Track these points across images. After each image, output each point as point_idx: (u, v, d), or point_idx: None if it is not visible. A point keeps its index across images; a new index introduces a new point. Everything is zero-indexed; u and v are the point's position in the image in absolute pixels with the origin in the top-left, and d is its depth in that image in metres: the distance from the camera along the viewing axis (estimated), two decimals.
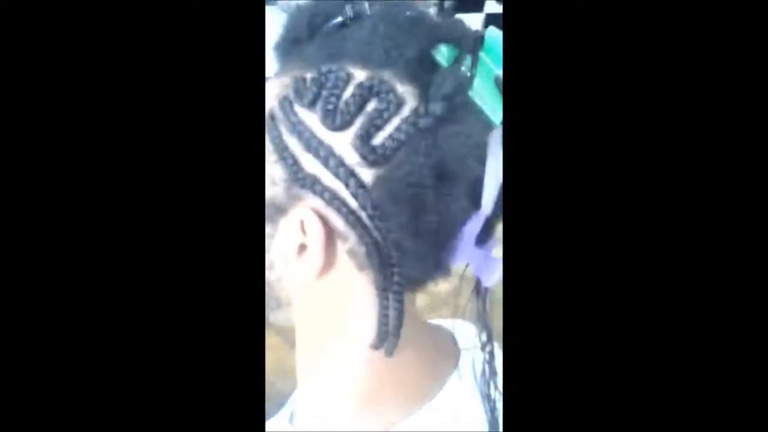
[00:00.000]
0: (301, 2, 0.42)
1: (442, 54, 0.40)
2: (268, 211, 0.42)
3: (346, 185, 0.39)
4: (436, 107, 0.38)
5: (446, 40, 0.40)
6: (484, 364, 0.51)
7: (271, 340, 0.54)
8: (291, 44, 0.42)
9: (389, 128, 0.39)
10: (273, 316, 0.49)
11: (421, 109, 0.38)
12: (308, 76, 0.40)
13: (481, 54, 0.41)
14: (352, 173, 0.39)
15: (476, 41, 0.40)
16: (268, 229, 0.43)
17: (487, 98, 0.40)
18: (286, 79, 0.42)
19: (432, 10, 0.43)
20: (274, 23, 0.44)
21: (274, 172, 0.41)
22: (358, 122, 0.39)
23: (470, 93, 0.39)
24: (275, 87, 0.42)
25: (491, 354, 0.50)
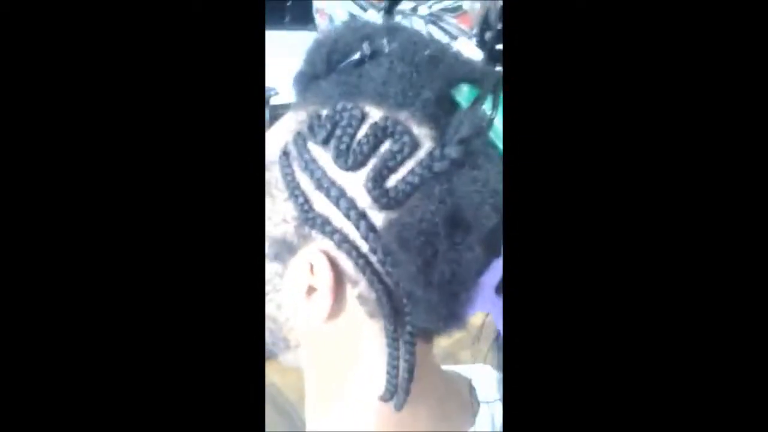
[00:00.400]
0: (320, 37, 0.41)
1: (463, 94, 0.38)
2: (278, 249, 0.41)
3: (357, 228, 0.37)
4: (452, 150, 0.36)
5: (467, 80, 0.38)
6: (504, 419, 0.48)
7: None
8: (309, 79, 0.41)
9: (403, 171, 0.37)
10: (282, 357, 0.47)
11: (437, 153, 0.36)
12: (323, 112, 0.39)
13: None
14: (363, 215, 0.37)
15: (498, 81, 0.38)
16: (277, 268, 0.41)
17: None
18: (302, 114, 0.40)
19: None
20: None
21: (285, 209, 0.40)
22: (371, 163, 0.37)
23: (491, 135, 0.37)
24: (292, 122, 0.41)
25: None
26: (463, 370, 0.52)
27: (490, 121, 0.37)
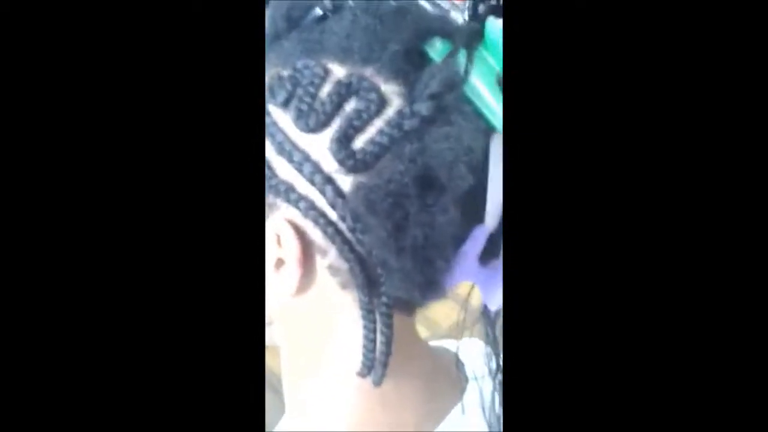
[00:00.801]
0: None
1: (435, 49, 0.35)
2: None
3: (323, 194, 0.35)
4: (423, 107, 0.33)
5: (439, 34, 0.35)
6: (493, 395, 0.46)
7: None
8: (271, 40, 0.39)
9: (371, 131, 0.34)
10: None
11: (407, 110, 0.34)
12: (285, 73, 0.37)
13: (480, 49, 0.36)
14: (329, 180, 0.35)
15: (472, 35, 0.36)
16: None
17: (487, 99, 0.36)
18: (266, 78, 0.38)
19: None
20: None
21: None
22: (336, 123, 0.35)
23: (466, 91, 0.35)
24: None
25: (502, 384, 0.45)
26: (449, 345, 0.50)
27: (465, 76, 0.35)
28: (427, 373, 0.44)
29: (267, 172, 0.36)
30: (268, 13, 0.39)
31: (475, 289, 0.42)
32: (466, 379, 0.46)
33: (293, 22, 0.37)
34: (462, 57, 0.35)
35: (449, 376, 0.45)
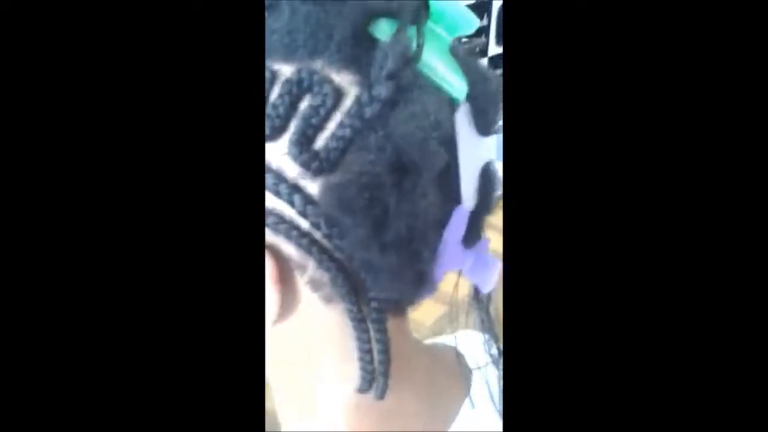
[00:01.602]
0: None
1: (382, 30, 0.33)
2: None
3: (291, 204, 0.32)
4: (382, 89, 0.31)
5: (383, 15, 0.33)
6: (500, 381, 0.44)
7: None
8: None
9: (331, 126, 0.32)
10: None
11: (365, 97, 0.31)
12: None
13: (429, 23, 0.34)
14: (295, 188, 0.32)
15: (418, 10, 0.33)
16: None
17: (443, 71, 0.34)
18: None
19: None
20: None
21: None
22: (292, 126, 0.32)
23: (420, 67, 0.32)
24: None
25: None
26: (446, 339, 0.47)
27: (417, 52, 0.32)
28: (428, 374, 0.41)
29: None
30: None
31: (461, 278, 0.40)
32: (470, 371, 0.44)
33: None
34: (411, 32, 0.32)
35: (452, 372, 0.43)
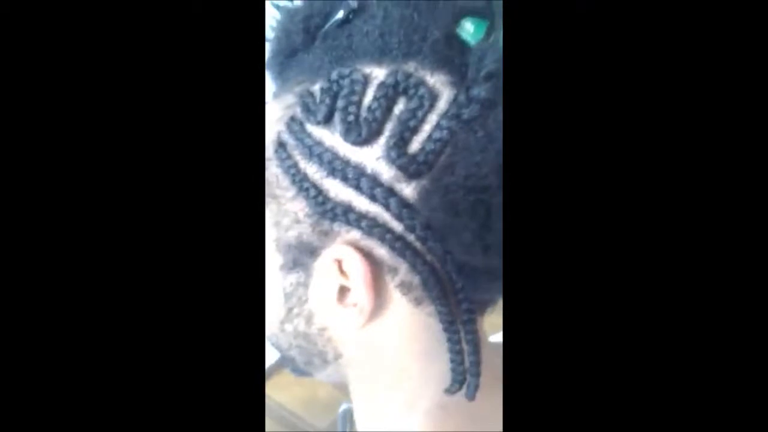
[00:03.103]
0: (289, 6, 0.35)
1: (466, 29, 0.33)
2: (296, 255, 0.35)
3: (387, 207, 0.32)
4: (481, 90, 0.31)
5: (472, 13, 0.33)
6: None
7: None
8: (287, 56, 0.36)
9: (427, 128, 0.32)
10: (319, 374, 0.42)
11: (462, 98, 0.31)
12: (316, 87, 0.34)
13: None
14: (391, 191, 0.32)
15: (498, 10, 0.34)
16: (299, 277, 0.36)
17: None
18: (290, 98, 0.35)
19: None
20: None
21: (295, 208, 0.34)
22: (388, 129, 0.32)
23: None
24: (277, 110, 0.35)
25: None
26: (494, 337, 0.48)
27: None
28: (498, 372, 0.42)
29: (315, 198, 0.33)
30: (277, 28, 0.36)
31: None
32: None
33: (313, 32, 0.34)
34: (499, 32, 0.33)
35: None
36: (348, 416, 0.93)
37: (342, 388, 0.42)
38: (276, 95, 0.37)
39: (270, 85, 0.38)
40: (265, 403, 0.33)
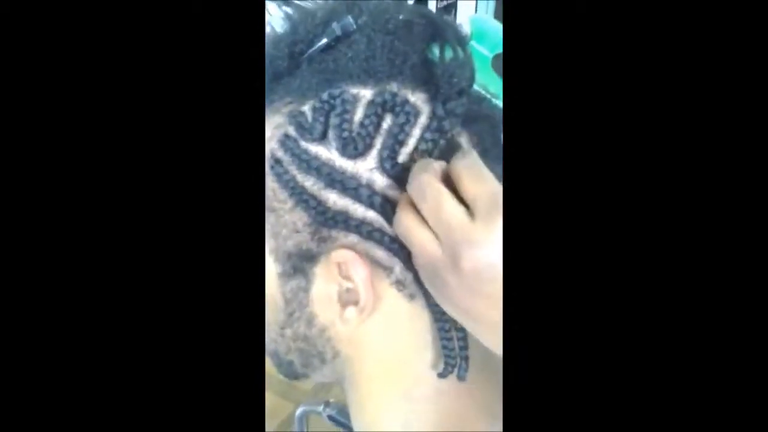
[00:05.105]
0: (273, 33, 0.38)
1: (434, 54, 0.37)
2: (296, 262, 0.38)
3: (383, 213, 0.36)
4: (456, 105, 0.35)
5: (436, 39, 0.37)
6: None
7: None
8: (271, 81, 0.39)
9: (412, 141, 0.36)
10: (316, 375, 0.44)
11: (440, 112, 0.36)
12: (306, 107, 0.37)
13: (472, 43, 0.39)
14: (386, 198, 0.36)
15: (459, 34, 0.38)
16: (299, 282, 0.39)
17: (489, 85, 0.39)
18: (278, 118, 0.38)
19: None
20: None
21: (293, 219, 0.37)
22: (379, 143, 0.36)
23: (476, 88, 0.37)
24: (267, 130, 0.38)
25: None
26: None
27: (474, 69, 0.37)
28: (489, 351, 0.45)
29: (315, 208, 0.36)
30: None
31: None
32: None
33: (297, 57, 0.37)
34: (467, 52, 0.37)
35: None
36: (305, 419, 0.95)
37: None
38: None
39: None
40: (265, 407, 0.34)
